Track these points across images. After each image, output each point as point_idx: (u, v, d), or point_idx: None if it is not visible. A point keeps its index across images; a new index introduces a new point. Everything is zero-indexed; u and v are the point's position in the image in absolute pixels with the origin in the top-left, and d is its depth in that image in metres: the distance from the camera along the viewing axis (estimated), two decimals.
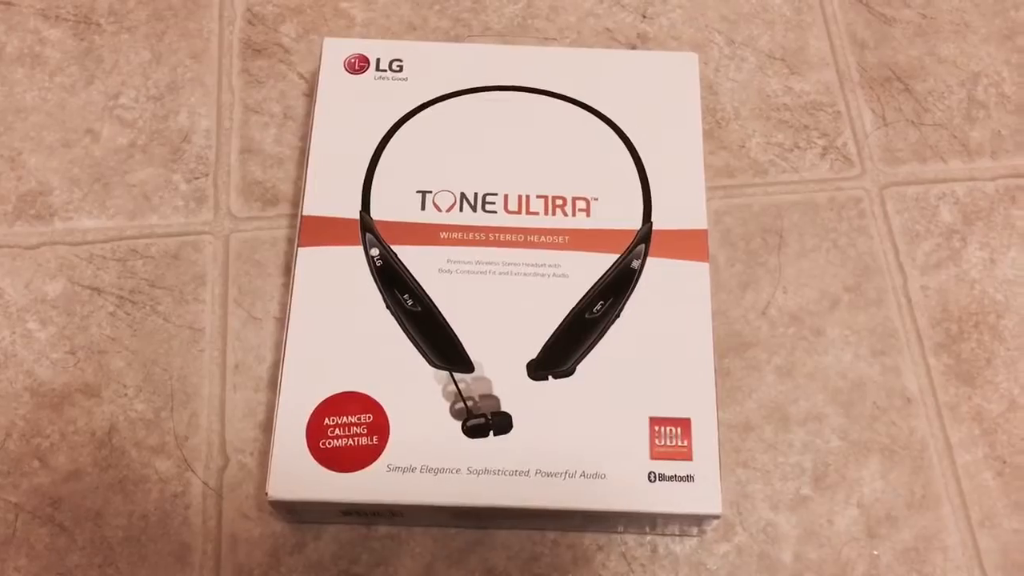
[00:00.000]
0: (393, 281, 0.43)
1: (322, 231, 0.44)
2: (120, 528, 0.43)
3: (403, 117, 0.47)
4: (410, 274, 0.44)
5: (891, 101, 0.53)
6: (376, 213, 0.45)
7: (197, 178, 0.50)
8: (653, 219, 0.45)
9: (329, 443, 0.41)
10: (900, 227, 0.50)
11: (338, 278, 0.44)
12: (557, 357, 0.42)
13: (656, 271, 0.44)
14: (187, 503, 0.44)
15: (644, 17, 0.55)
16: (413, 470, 0.40)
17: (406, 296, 0.43)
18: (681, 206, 0.45)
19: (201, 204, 0.49)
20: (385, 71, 0.48)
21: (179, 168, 0.50)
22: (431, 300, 0.43)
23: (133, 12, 0.54)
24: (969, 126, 0.52)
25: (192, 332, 0.47)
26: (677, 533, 0.43)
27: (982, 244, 0.50)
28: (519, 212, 0.45)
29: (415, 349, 0.42)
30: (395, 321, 0.43)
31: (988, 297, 0.49)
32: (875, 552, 0.44)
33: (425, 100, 0.47)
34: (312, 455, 0.41)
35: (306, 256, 0.44)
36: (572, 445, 0.41)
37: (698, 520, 0.41)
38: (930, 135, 0.52)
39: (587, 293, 0.44)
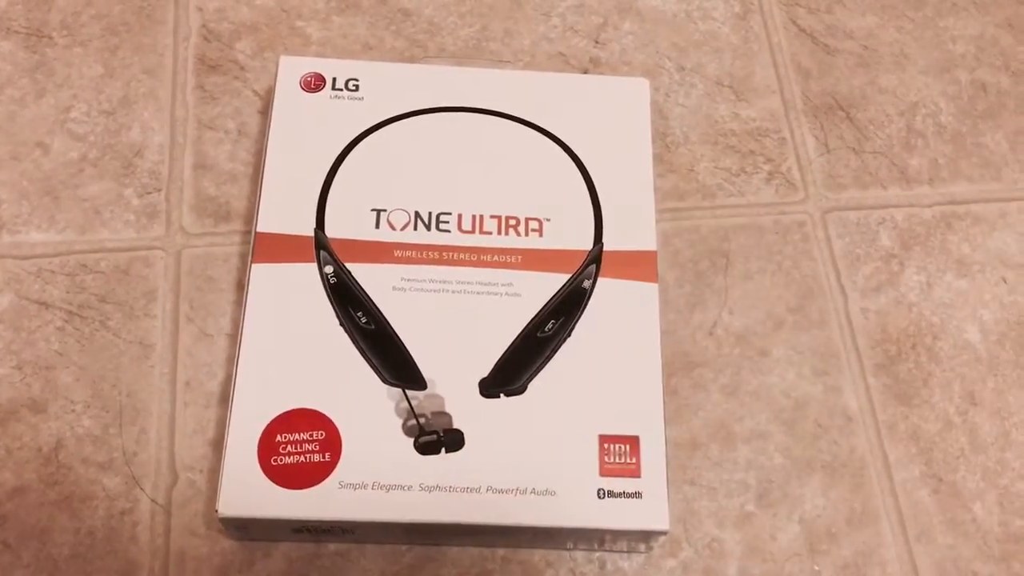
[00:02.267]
0: (347, 298, 0.44)
1: (276, 248, 0.45)
2: (66, 545, 0.42)
3: (359, 136, 0.47)
4: (364, 291, 0.44)
5: (834, 129, 0.55)
6: (330, 231, 0.45)
7: (149, 193, 0.50)
8: (604, 240, 0.46)
9: (281, 460, 0.41)
10: (841, 251, 0.52)
11: (292, 295, 0.44)
12: (509, 375, 0.43)
13: (607, 291, 0.45)
14: (135, 520, 0.43)
15: (596, 43, 0.56)
16: (365, 487, 0.41)
17: (360, 313, 0.43)
18: (631, 228, 0.46)
19: (153, 219, 0.49)
20: (341, 90, 0.48)
21: (131, 183, 0.50)
22: (384, 318, 0.43)
23: (86, 26, 0.53)
24: (907, 154, 0.54)
25: (142, 348, 0.46)
26: (625, 549, 0.44)
27: (919, 268, 0.51)
28: (473, 231, 0.46)
29: (368, 366, 0.43)
30: (348, 338, 0.43)
31: (925, 320, 0.50)
32: (816, 567, 0.45)
33: (381, 119, 0.48)
34: (264, 472, 0.41)
35: (260, 272, 0.44)
36: (523, 462, 0.42)
37: (646, 536, 0.42)
38: (870, 162, 0.54)
39: (539, 312, 0.44)
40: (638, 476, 0.42)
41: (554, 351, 0.44)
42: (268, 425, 0.41)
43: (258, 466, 0.41)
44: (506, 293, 0.45)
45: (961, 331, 0.50)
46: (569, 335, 0.44)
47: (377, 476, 0.41)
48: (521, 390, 0.43)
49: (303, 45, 0.54)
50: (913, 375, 0.49)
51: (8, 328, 0.46)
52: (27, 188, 0.49)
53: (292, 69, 0.49)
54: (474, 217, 0.46)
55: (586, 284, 0.45)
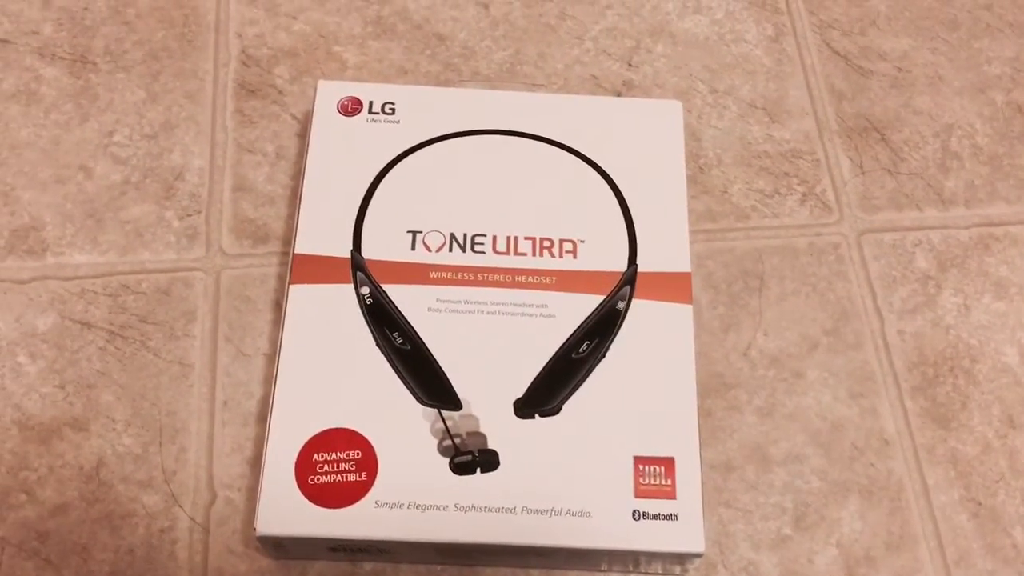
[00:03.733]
0: (383, 319, 0.44)
1: (313, 269, 0.45)
2: (106, 563, 0.43)
3: (395, 159, 0.48)
4: (400, 312, 0.44)
5: (868, 150, 0.55)
6: (367, 252, 0.46)
7: (189, 215, 0.51)
8: (638, 262, 0.46)
9: (318, 479, 0.41)
10: (877, 273, 0.51)
11: (329, 315, 0.44)
12: (543, 396, 0.43)
13: (641, 313, 0.45)
14: (174, 538, 0.44)
15: (629, 65, 0.56)
16: (401, 506, 0.41)
17: (396, 334, 0.44)
18: (665, 249, 0.47)
19: (193, 241, 0.50)
20: (377, 114, 0.49)
21: (172, 205, 0.51)
22: (420, 338, 0.44)
23: (129, 52, 0.55)
24: (943, 176, 0.54)
25: (182, 367, 0.47)
26: (660, 571, 0.44)
27: (956, 290, 0.51)
28: (507, 253, 0.46)
29: (404, 386, 0.43)
30: (384, 359, 0.43)
31: (963, 342, 0.50)
32: None
33: (416, 143, 0.48)
34: (301, 491, 0.41)
35: (297, 293, 0.45)
36: (558, 483, 0.42)
37: (681, 559, 0.42)
38: (906, 184, 0.54)
39: (573, 333, 0.44)
40: (673, 498, 0.42)
41: (588, 372, 0.44)
42: (305, 444, 0.42)
43: (296, 485, 0.41)
44: (540, 314, 0.45)
45: (999, 353, 0.50)
46: (603, 356, 0.44)
47: (413, 496, 0.41)
48: (556, 411, 0.43)
49: (340, 70, 0.55)
50: (951, 398, 0.49)
51: (52, 348, 0.47)
52: (71, 210, 0.50)
53: (330, 93, 0.49)
54: (509, 238, 0.46)
55: (620, 305, 0.45)
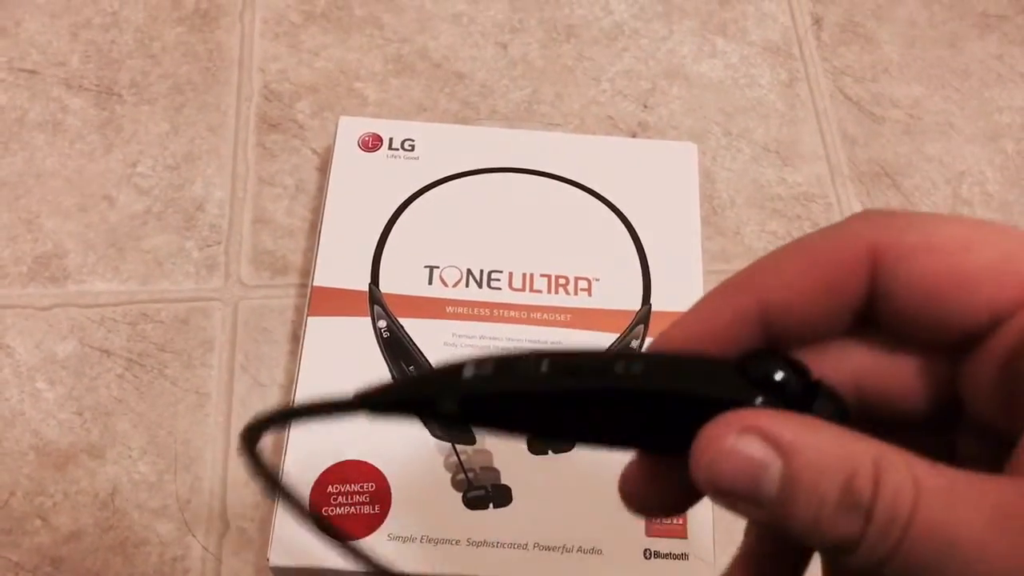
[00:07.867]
0: (399, 353, 0.45)
1: (332, 302, 0.46)
2: None
3: (413, 194, 0.49)
4: (416, 346, 0.45)
5: (880, 195, 0.55)
6: (384, 286, 0.46)
7: (209, 246, 0.51)
8: (652, 301, 0.47)
9: (332, 511, 0.41)
10: None
11: (345, 348, 0.45)
12: None
13: None
14: (186, 567, 0.44)
15: (645, 107, 0.57)
16: (414, 540, 0.41)
17: (412, 368, 0.44)
18: (679, 289, 0.47)
19: (212, 271, 0.51)
20: (397, 150, 0.50)
21: (192, 235, 0.51)
22: None
23: (154, 85, 0.56)
24: None
25: (198, 396, 0.47)
26: None
27: None
28: (523, 290, 0.47)
29: (418, 419, 0.43)
30: None
31: None
32: None
33: (435, 179, 0.49)
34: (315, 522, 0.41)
35: (315, 325, 0.45)
36: (570, 519, 0.42)
37: None
38: None
39: None
40: (685, 537, 0.42)
41: None
42: (320, 476, 0.42)
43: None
44: None
45: None
46: None
47: (425, 529, 0.41)
48: (569, 447, 0.43)
49: (360, 106, 0.56)
50: None
51: (71, 374, 0.47)
52: (93, 239, 0.51)
53: (351, 129, 0.50)
54: (525, 275, 0.47)
55: (634, 344, 0.46)
